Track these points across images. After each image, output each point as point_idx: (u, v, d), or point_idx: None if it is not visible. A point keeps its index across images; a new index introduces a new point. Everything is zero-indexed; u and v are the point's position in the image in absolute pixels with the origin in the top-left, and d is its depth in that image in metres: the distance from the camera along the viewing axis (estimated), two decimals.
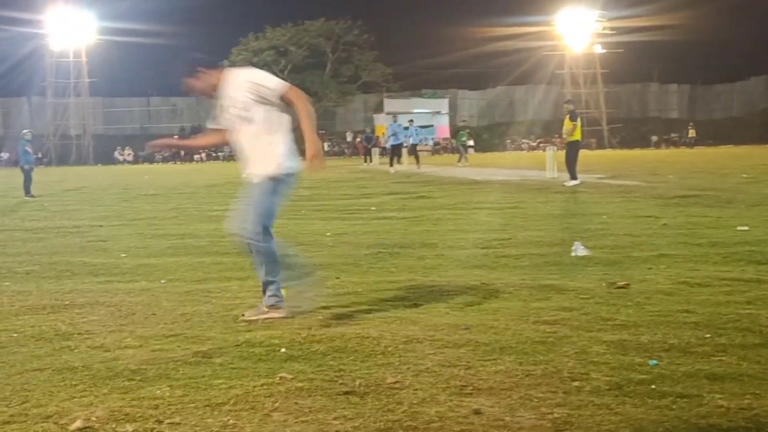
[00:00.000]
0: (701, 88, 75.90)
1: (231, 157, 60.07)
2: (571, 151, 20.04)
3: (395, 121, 33.78)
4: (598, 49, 67.52)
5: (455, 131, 43.84)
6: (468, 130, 38.51)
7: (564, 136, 20.70)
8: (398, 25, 67.50)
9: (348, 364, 4.41)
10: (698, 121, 69.46)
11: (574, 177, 19.18)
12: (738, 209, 12.35)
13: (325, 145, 62.97)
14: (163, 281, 7.30)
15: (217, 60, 6.80)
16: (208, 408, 3.76)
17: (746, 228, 9.88)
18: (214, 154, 60.68)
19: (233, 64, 63.16)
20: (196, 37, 58.27)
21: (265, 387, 4.03)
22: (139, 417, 3.65)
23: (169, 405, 3.80)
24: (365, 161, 40.89)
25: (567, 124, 20.38)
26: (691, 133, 63.55)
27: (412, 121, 38.27)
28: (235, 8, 76.95)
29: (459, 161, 35.84)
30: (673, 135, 67.54)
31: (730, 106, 74.58)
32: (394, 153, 32.30)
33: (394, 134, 32.71)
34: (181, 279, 7.42)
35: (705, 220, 11.07)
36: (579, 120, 20.67)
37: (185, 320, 5.61)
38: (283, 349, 4.72)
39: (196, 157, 58.94)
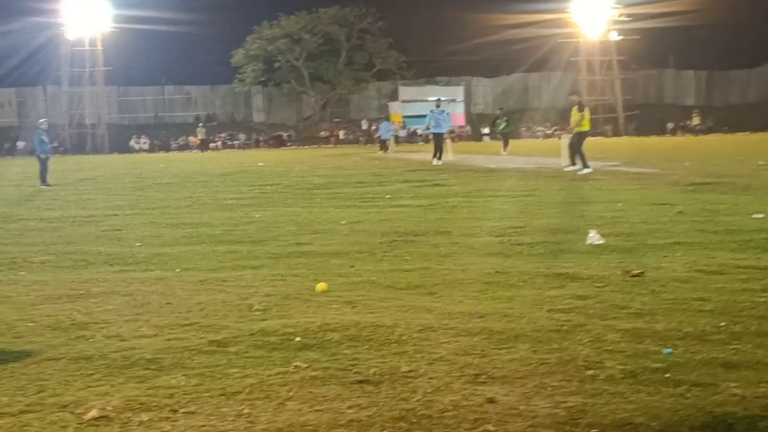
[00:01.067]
0: (718, 74, 75.27)
1: (246, 145, 60.23)
2: (578, 140, 20.05)
3: (438, 107, 28.20)
4: (614, 36, 67.10)
5: (492, 120, 41.81)
6: (506, 118, 35.91)
7: (572, 127, 20.62)
8: (412, 12, 66.99)
9: (362, 353, 4.42)
10: (714, 107, 68.94)
11: (585, 165, 19.17)
12: (754, 196, 12.28)
13: (341, 133, 62.94)
14: (177, 270, 7.33)
15: None
16: (223, 397, 3.77)
17: (762, 215, 9.81)
18: (229, 143, 60.76)
19: (248, 53, 62.98)
20: (210, 25, 58.25)
21: (279, 376, 4.05)
22: (155, 406, 3.67)
23: (184, 394, 3.82)
24: (380, 149, 40.86)
25: (575, 115, 20.36)
26: (696, 120, 63.18)
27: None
28: None
29: (504, 149, 32.32)
30: (689, 122, 67.13)
31: (747, 92, 73.95)
32: (436, 143, 27.24)
33: (436, 122, 27.51)
34: (195, 268, 7.44)
35: (721, 207, 11.01)
36: (587, 110, 20.61)
37: (200, 309, 5.63)
38: (297, 338, 4.73)
39: (211, 145, 58.98)
